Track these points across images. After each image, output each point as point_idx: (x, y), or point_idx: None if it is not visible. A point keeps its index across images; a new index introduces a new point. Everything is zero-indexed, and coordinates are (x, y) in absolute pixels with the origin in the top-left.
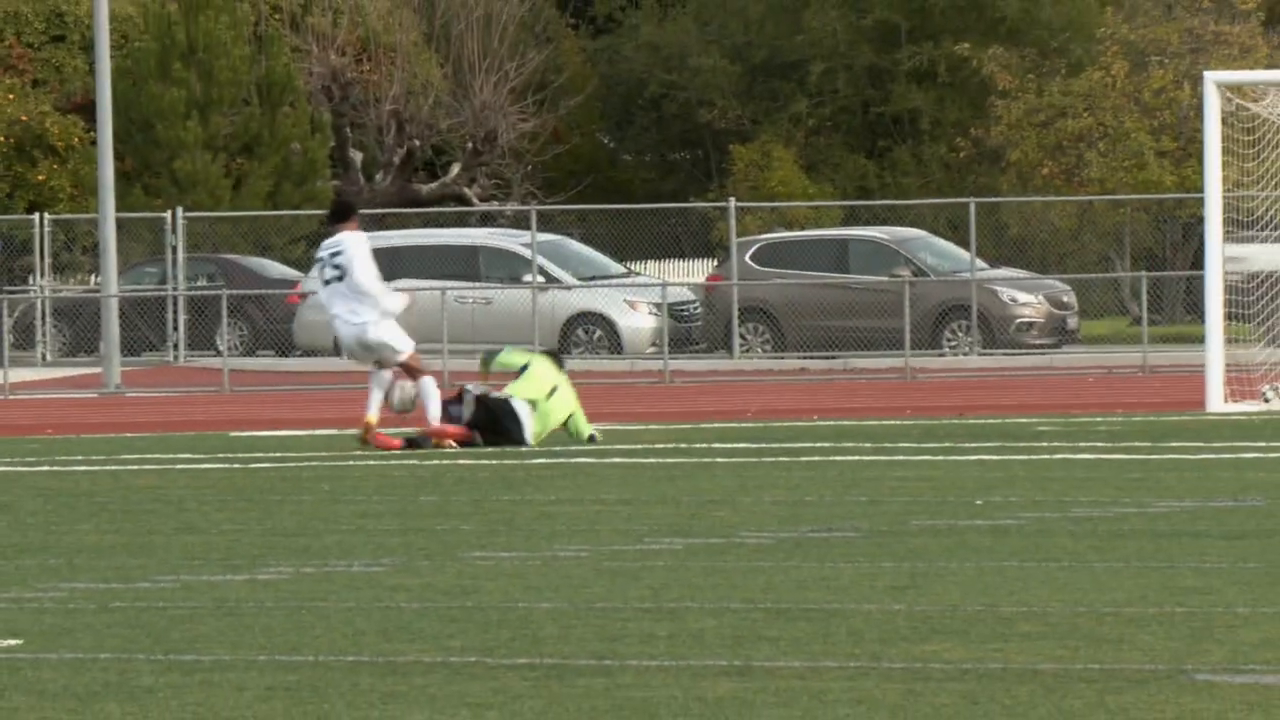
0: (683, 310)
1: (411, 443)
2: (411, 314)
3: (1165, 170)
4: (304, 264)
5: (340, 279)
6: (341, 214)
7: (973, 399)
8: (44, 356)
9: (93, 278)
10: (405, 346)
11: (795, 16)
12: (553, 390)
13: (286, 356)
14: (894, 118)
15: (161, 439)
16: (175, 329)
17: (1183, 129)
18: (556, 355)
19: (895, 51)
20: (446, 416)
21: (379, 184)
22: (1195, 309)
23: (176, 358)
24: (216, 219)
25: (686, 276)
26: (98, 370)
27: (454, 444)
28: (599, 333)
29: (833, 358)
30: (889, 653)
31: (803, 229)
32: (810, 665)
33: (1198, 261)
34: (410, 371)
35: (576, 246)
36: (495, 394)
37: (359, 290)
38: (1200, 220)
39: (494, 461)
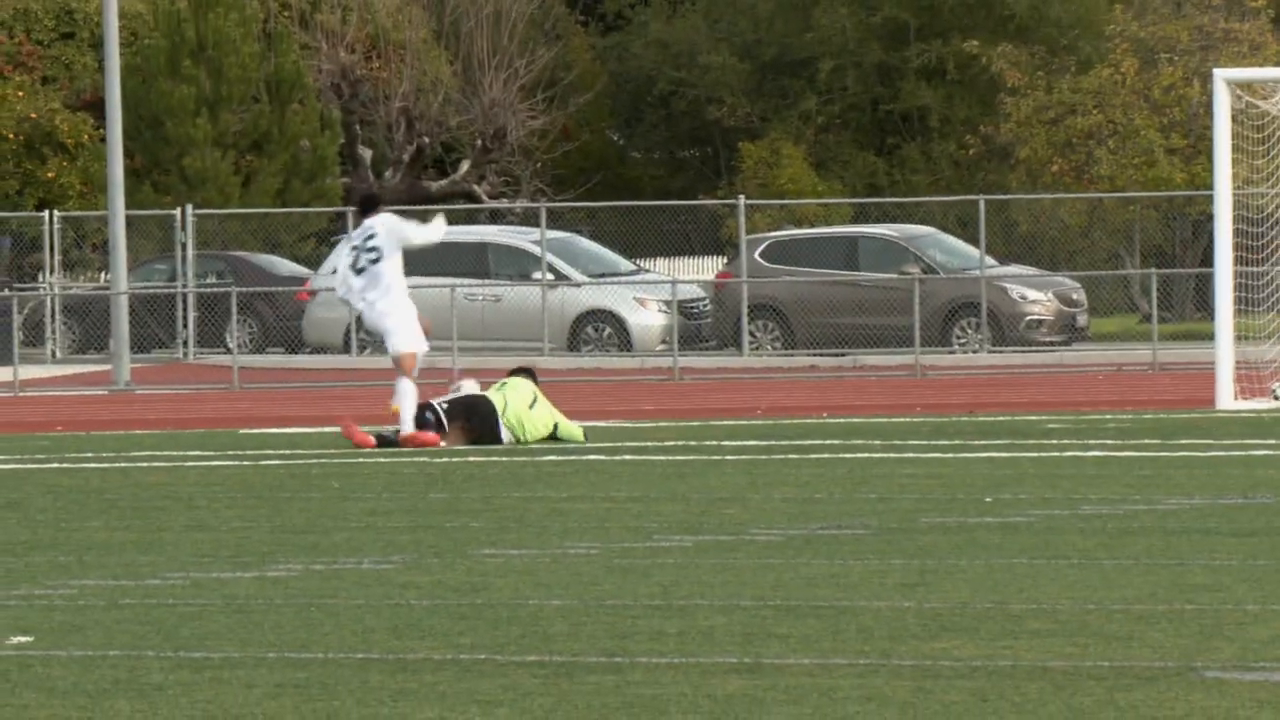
0: (692, 307)
1: (384, 441)
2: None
3: (1175, 167)
4: (314, 261)
5: (376, 261)
6: (371, 204)
7: (982, 396)
8: (54, 354)
9: (102, 275)
10: (406, 345)
11: (804, 14)
12: (533, 401)
13: (296, 354)
14: (903, 115)
15: (171, 436)
16: (185, 326)
17: (1192, 126)
18: (530, 372)
19: (904, 49)
20: (420, 422)
21: (388, 181)
22: (1205, 306)
23: (186, 355)
24: (226, 216)
25: (696, 274)
26: (107, 367)
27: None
28: (608, 330)
29: (842, 355)
30: (899, 650)
31: (812, 226)
32: (820, 662)
33: (1207, 259)
34: (397, 365)
35: (586, 244)
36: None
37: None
38: (1210, 218)
39: (504, 459)
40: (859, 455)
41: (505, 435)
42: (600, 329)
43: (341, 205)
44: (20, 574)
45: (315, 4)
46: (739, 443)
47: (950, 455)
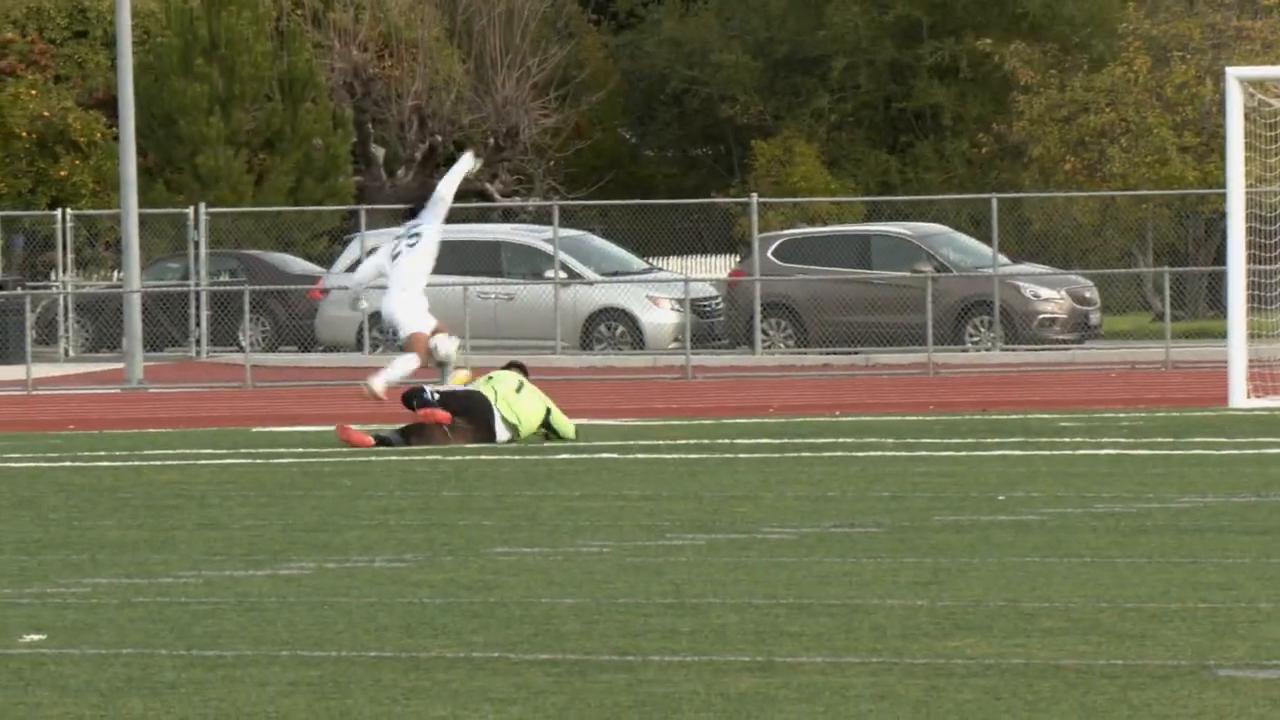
0: (705, 306)
1: (382, 440)
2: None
3: (1188, 166)
4: (326, 260)
5: (414, 245)
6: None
7: (995, 394)
8: (66, 352)
9: (115, 273)
10: (411, 325)
11: (817, 12)
12: (520, 386)
13: (309, 352)
14: (916, 113)
15: (184, 434)
16: (197, 324)
17: (1205, 124)
18: (520, 366)
19: (917, 47)
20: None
21: (401, 179)
22: (1218, 305)
23: (199, 353)
24: (239, 214)
25: (709, 272)
26: (120, 366)
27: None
28: (621, 328)
29: (855, 353)
30: (911, 648)
31: (825, 224)
32: (833, 661)
33: (1220, 257)
34: (410, 343)
35: (598, 242)
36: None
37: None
38: (1223, 216)
39: (516, 457)
40: (872, 453)
41: (500, 429)
42: (613, 327)
43: (354, 203)
44: (33, 572)
45: (328, 2)
46: (752, 441)
47: (963, 453)
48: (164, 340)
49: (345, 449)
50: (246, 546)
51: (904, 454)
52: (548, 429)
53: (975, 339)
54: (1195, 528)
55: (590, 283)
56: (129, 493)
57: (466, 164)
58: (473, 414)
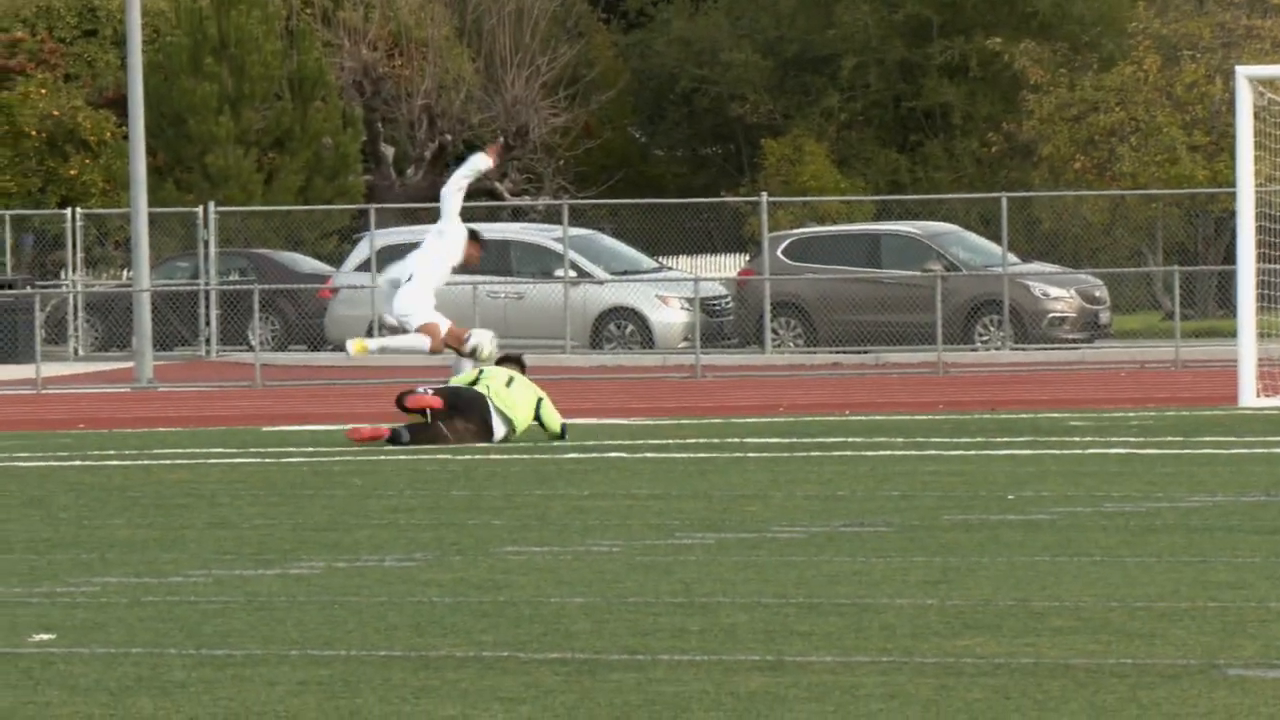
0: (714, 305)
1: (395, 438)
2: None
3: (1197, 165)
4: (336, 259)
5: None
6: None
7: (1004, 394)
8: (76, 351)
9: (125, 272)
10: (420, 318)
11: (827, 11)
12: (510, 380)
13: (318, 351)
14: (926, 112)
15: (193, 434)
16: (207, 324)
17: (1215, 123)
18: (514, 360)
19: (927, 46)
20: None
21: (410, 179)
22: (1228, 304)
23: (208, 352)
24: (248, 214)
25: (718, 271)
26: (130, 365)
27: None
28: (631, 328)
29: (865, 352)
30: (921, 647)
31: (834, 224)
32: (842, 660)
33: (1230, 256)
34: (426, 329)
35: (608, 241)
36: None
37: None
38: (1232, 215)
39: (526, 456)
40: (881, 453)
41: (497, 425)
42: (622, 326)
43: (363, 203)
44: (43, 571)
45: (338, 1)
46: (761, 440)
47: (972, 452)
48: (173, 339)
49: (355, 448)
50: (256, 546)
51: (913, 453)
52: (538, 420)
53: (985, 338)
54: (1205, 527)
55: (600, 282)
56: (139, 492)
57: (478, 163)
58: (467, 411)
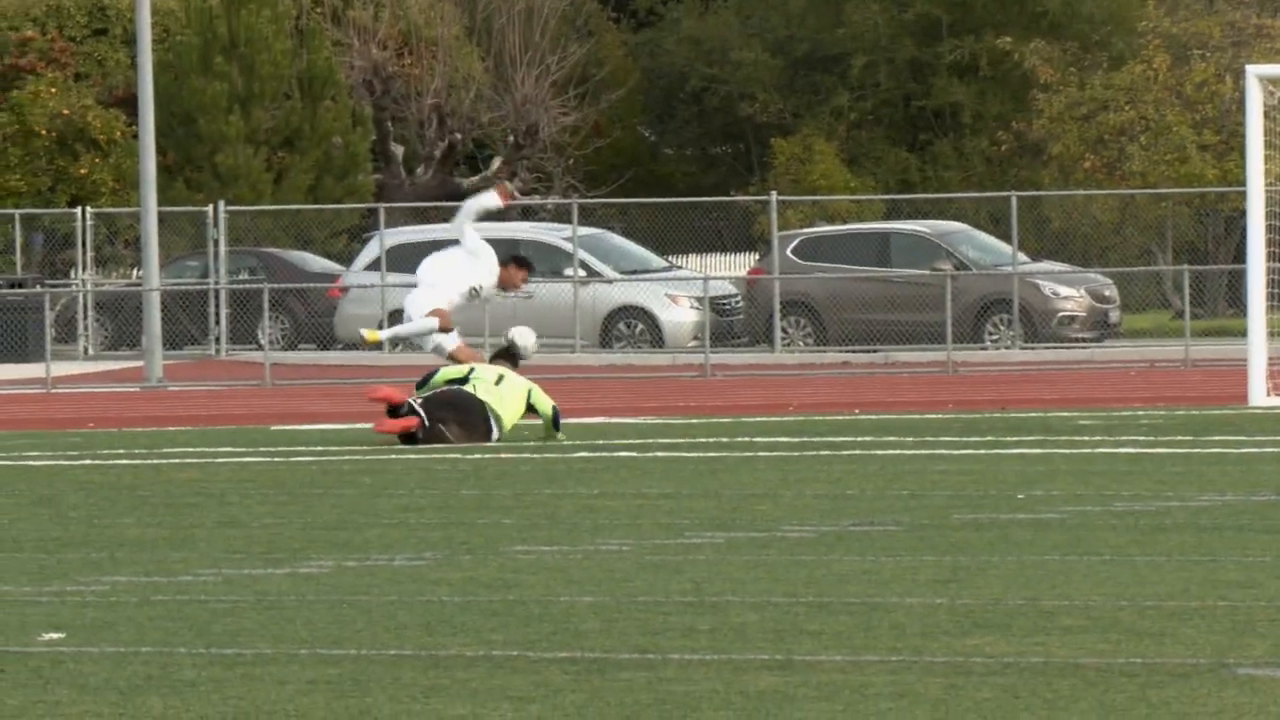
0: (724, 304)
1: (410, 437)
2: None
3: (1207, 164)
4: (345, 258)
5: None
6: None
7: (1014, 392)
8: (86, 350)
9: (134, 271)
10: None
11: (836, 10)
12: (500, 378)
13: (328, 350)
14: (935, 111)
15: (203, 433)
16: (217, 323)
17: (1225, 122)
18: (509, 353)
19: (937, 45)
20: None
21: (420, 178)
22: (1237, 303)
23: (218, 351)
24: (258, 213)
25: (728, 270)
26: (139, 364)
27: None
28: (640, 327)
29: (874, 351)
30: (931, 647)
31: (844, 223)
32: (852, 659)
33: (1240, 255)
34: (435, 314)
35: (618, 240)
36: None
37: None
38: (1242, 214)
39: (535, 455)
40: (891, 452)
41: (494, 427)
42: (632, 325)
43: (373, 202)
44: (52, 570)
45: (347, 1)
46: (771, 439)
47: (982, 451)
48: (183, 338)
49: (365, 446)
50: (266, 545)
51: (923, 452)
52: (530, 409)
53: (994, 337)
54: (1215, 526)
55: (609, 281)
56: (148, 491)
57: (486, 202)
58: (467, 413)
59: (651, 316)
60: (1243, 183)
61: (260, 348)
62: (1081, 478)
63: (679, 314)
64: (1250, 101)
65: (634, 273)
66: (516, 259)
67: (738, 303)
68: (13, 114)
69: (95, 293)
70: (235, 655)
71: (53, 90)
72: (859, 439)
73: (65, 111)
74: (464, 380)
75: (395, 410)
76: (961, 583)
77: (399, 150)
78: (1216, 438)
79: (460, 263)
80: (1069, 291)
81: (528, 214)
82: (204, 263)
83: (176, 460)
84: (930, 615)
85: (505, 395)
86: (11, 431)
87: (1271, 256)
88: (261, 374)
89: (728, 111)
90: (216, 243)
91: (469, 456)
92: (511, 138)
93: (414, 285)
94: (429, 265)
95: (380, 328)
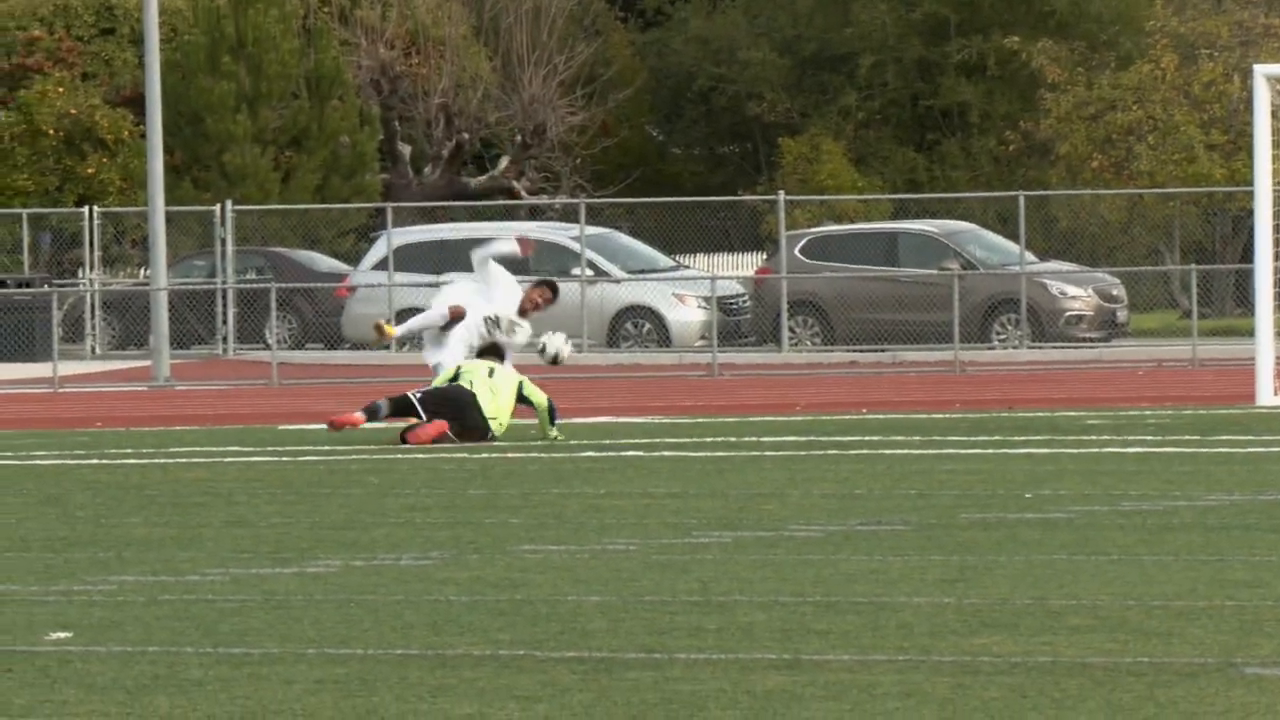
0: (731, 304)
1: (371, 411)
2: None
3: (1215, 163)
4: (353, 257)
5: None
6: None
7: (1022, 392)
8: (93, 350)
9: (142, 271)
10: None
11: (844, 9)
12: (491, 371)
13: (335, 350)
14: (943, 111)
15: (210, 432)
16: (224, 322)
17: (1232, 122)
18: (496, 350)
19: (944, 44)
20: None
21: (427, 177)
22: (1245, 302)
23: (225, 351)
24: (265, 212)
25: (735, 270)
26: (147, 363)
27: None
28: (647, 326)
29: (882, 351)
30: (938, 646)
31: (852, 222)
32: (859, 659)
33: (1247, 255)
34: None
35: (625, 240)
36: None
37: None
38: (1250, 213)
39: (542, 455)
40: (898, 451)
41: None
42: (639, 325)
43: (380, 201)
44: (60, 570)
45: (355, 0)
46: (778, 439)
47: (990, 451)
48: (190, 338)
49: (372, 446)
50: (273, 544)
51: (931, 452)
52: (521, 400)
53: (1002, 336)
54: (1222, 525)
55: (617, 280)
56: (156, 490)
57: (505, 248)
58: (461, 410)
59: (659, 316)
60: (1250, 182)
61: (268, 347)
62: (1089, 477)
63: (686, 313)
64: (1258, 101)
65: (641, 272)
66: (545, 280)
67: (745, 302)
68: (20, 113)
69: (102, 292)
70: (242, 655)
71: (60, 90)
72: (866, 438)
73: (73, 111)
74: (455, 378)
75: (402, 406)
76: (969, 582)
77: (406, 150)
78: (1224, 437)
79: (476, 293)
80: (1076, 291)
81: (535, 214)
82: (211, 262)
83: (184, 460)
84: (938, 615)
85: (498, 386)
86: (19, 431)
87: (1279, 256)
88: (269, 373)
89: (735, 111)
90: (224, 242)
91: (476, 456)
92: (519, 137)
93: (419, 285)
94: (444, 298)
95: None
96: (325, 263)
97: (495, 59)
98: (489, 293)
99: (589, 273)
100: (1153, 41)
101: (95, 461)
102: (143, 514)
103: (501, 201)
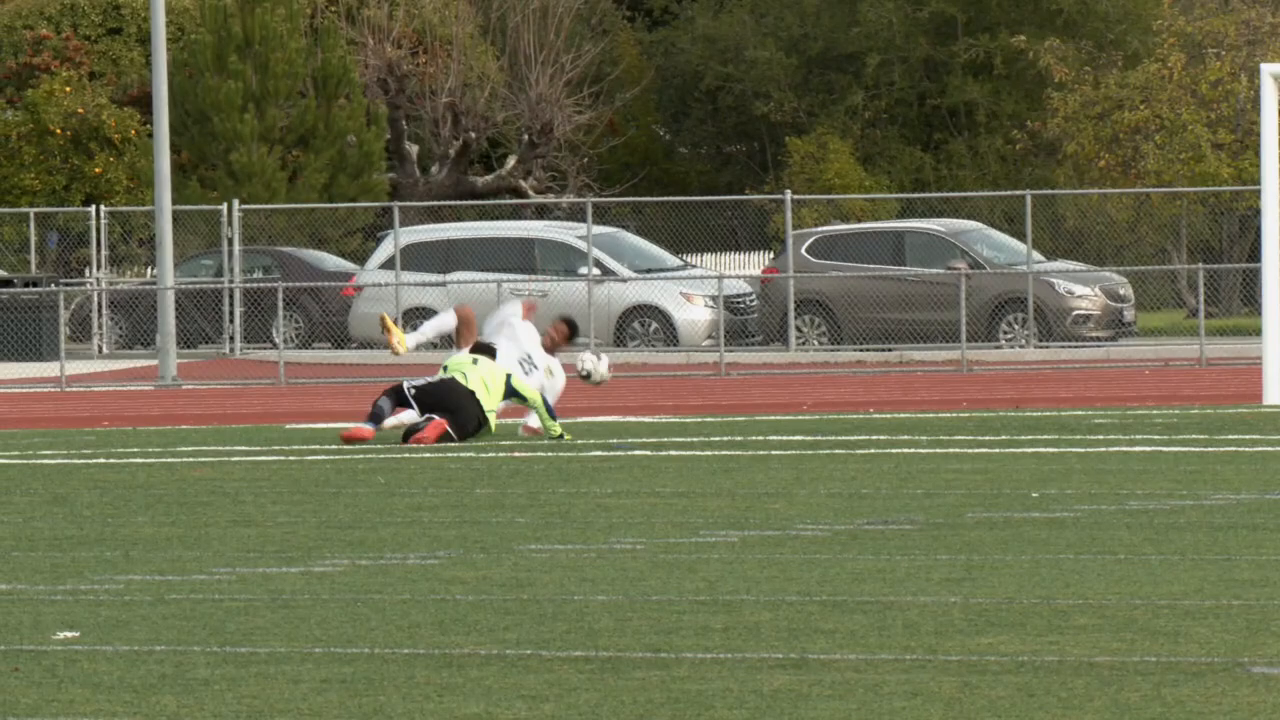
0: (739, 303)
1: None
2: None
3: (1222, 162)
4: (360, 256)
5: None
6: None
7: (1029, 391)
8: (100, 349)
9: (149, 270)
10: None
11: (851, 9)
12: (475, 361)
13: (342, 349)
14: (950, 110)
15: (217, 431)
16: (231, 321)
17: (1239, 121)
18: (487, 347)
19: (951, 44)
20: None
21: (434, 176)
22: (1252, 301)
23: (232, 350)
24: (272, 211)
25: (742, 269)
26: (154, 363)
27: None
28: (655, 325)
29: (889, 350)
30: (945, 645)
31: (859, 221)
32: (866, 658)
33: (1255, 254)
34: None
35: (632, 239)
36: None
37: None
38: (1257, 212)
39: (549, 454)
40: (905, 450)
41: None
42: (646, 324)
43: (387, 200)
44: (67, 569)
45: None
46: (785, 438)
47: (996, 450)
48: (197, 337)
49: (379, 445)
50: (280, 543)
51: (937, 451)
52: (512, 395)
53: (1009, 336)
54: (1229, 525)
55: (624, 280)
56: (162, 489)
57: (510, 314)
58: (457, 404)
59: (666, 315)
60: (1258, 181)
61: (274, 346)
62: (1096, 476)
63: (693, 313)
64: (1265, 100)
65: (648, 271)
66: (566, 319)
67: (752, 301)
68: (27, 113)
69: (109, 291)
70: (249, 654)
71: (67, 89)
72: (873, 438)
73: (80, 110)
74: (444, 373)
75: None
76: (976, 581)
77: (413, 149)
78: (1231, 436)
79: (505, 339)
80: (1084, 290)
81: (542, 213)
82: (218, 261)
83: (190, 459)
84: (944, 614)
85: (485, 374)
86: (26, 430)
87: None
88: (276, 373)
89: (742, 110)
90: (231, 241)
91: (483, 455)
92: (526, 136)
93: (425, 284)
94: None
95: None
96: (332, 262)
97: (502, 58)
98: (514, 335)
99: (596, 272)
100: (1160, 40)
101: (102, 461)
102: (149, 513)
103: (508, 201)
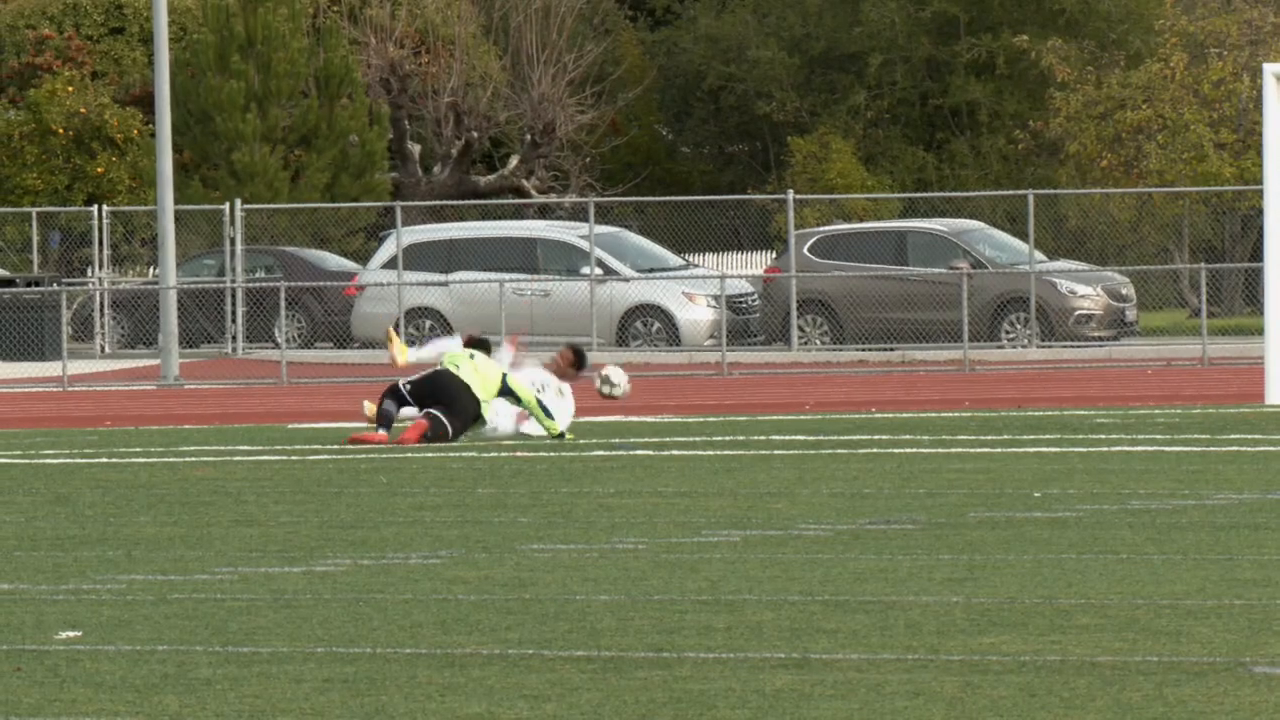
0: (741, 302)
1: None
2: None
3: (1224, 162)
4: (362, 256)
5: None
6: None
7: (1031, 391)
8: (102, 348)
9: (151, 270)
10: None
11: (853, 8)
12: (470, 356)
13: (344, 349)
14: (952, 110)
15: (219, 431)
16: (233, 321)
17: (1242, 121)
18: (482, 342)
19: (954, 43)
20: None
21: (437, 176)
22: (1254, 301)
23: (234, 350)
24: (274, 211)
25: (744, 269)
26: (156, 362)
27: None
28: (657, 325)
29: (891, 350)
30: (947, 645)
31: (861, 221)
32: (868, 658)
33: (1257, 254)
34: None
35: (634, 238)
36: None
37: None
38: (1259, 212)
39: (551, 454)
40: (907, 450)
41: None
42: (649, 324)
43: (390, 200)
44: (69, 569)
45: None
46: (787, 438)
47: (998, 450)
48: (200, 336)
49: (380, 446)
50: (282, 543)
51: (940, 451)
52: (506, 394)
53: (1011, 336)
54: (1231, 524)
55: (626, 279)
56: (165, 489)
57: (503, 357)
58: (452, 397)
59: (668, 315)
60: (1260, 181)
61: (277, 346)
62: (1098, 476)
63: (696, 312)
64: (1268, 100)
65: (650, 271)
66: (572, 347)
67: (754, 301)
68: (30, 112)
69: (112, 291)
70: (251, 654)
71: (70, 89)
72: (875, 437)
73: (82, 110)
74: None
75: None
76: (978, 581)
77: (416, 149)
78: (1233, 436)
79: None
80: (1086, 290)
81: (544, 212)
82: (220, 261)
83: (193, 459)
84: (946, 614)
85: (480, 366)
86: (28, 430)
87: None
88: (278, 372)
89: (744, 110)
90: (233, 241)
91: (485, 455)
92: (528, 136)
93: (428, 284)
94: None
95: (396, 327)
96: (334, 261)
97: (505, 58)
98: (526, 377)
99: (598, 272)
100: (1162, 40)
101: (104, 460)
102: (152, 513)
103: (511, 200)
